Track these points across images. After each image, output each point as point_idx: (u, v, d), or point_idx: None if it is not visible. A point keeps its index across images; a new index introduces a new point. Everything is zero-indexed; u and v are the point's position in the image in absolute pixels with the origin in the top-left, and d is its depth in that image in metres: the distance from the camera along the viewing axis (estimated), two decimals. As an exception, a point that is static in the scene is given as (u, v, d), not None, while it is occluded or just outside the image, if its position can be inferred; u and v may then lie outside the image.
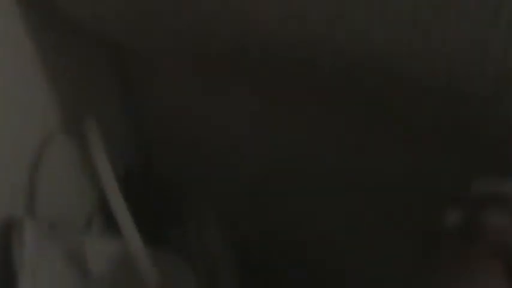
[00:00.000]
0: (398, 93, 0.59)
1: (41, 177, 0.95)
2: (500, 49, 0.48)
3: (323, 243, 0.92)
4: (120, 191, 0.81)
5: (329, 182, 0.85)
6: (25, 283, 0.81)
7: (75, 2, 0.72)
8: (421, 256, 0.51)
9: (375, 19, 0.51)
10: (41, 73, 0.89)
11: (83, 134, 0.94)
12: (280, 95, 0.78)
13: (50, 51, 0.88)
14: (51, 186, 0.96)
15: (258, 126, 0.88)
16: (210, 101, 0.87)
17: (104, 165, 0.83)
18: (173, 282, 0.89)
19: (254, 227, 0.95)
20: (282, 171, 0.90)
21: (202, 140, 0.93)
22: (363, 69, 0.57)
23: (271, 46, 0.60)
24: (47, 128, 0.93)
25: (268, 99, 0.81)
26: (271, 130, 0.86)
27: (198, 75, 0.86)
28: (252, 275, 0.95)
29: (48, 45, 0.87)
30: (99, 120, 0.89)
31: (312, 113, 0.80)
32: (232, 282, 0.94)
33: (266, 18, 0.57)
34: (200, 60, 0.79)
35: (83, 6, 0.72)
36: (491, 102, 0.53)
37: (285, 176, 0.89)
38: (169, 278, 0.86)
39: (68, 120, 0.95)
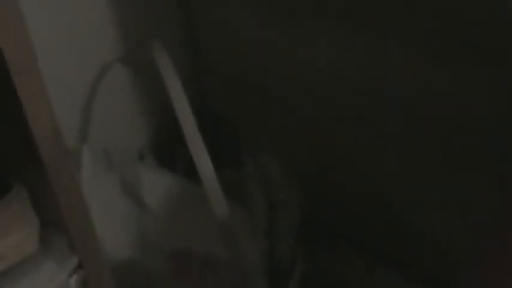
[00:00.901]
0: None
1: (98, 105, 0.91)
2: None
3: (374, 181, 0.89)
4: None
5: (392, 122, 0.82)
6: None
7: None
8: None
9: None
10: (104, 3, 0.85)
11: (145, 58, 0.91)
12: (346, 29, 0.74)
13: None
14: (106, 116, 0.93)
15: (317, 61, 0.84)
16: (270, 33, 0.83)
17: (177, 86, 0.78)
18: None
19: (311, 163, 0.91)
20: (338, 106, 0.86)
21: (260, 74, 0.89)
22: None
23: None
24: (105, 55, 0.89)
25: (330, 32, 0.77)
26: (329, 63, 0.82)
27: (255, 7, 0.82)
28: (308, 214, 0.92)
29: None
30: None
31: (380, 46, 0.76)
32: (291, 225, 0.91)
33: None
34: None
35: None
36: None
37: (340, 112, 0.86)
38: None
39: (127, 46, 0.91)
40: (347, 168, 0.89)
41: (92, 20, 0.87)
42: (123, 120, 0.95)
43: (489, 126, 0.68)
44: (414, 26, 0.68)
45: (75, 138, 0.92)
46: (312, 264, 0.94)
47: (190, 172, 0.95)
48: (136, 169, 0.88)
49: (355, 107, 0.83)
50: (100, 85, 0.91)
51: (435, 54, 0.69)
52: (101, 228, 0.82)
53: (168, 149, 0.99)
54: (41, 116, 0.50)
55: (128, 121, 0.96)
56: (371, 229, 0.91)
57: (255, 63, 0.91)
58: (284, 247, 0.91)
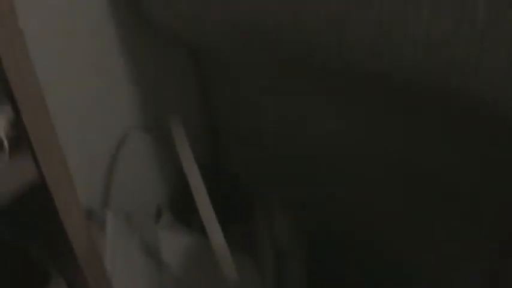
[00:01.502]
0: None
1: (118, 170, 0.99)
2: None
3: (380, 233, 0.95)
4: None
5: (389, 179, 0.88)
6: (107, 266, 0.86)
7: (157, 3, 0.76)
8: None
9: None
10: (126, 73, 0.93)
11: (163, 129, 0.99)
12: (348, 100, 0.82)
13: (135, 53, 0.93)
14: (126, 178, 1.00)
15: (324, 126, 0.92)
16: (280, 100, 0.91)
17: (189, 159, 0.87)
18: (241, 279, 0.93)
19: (320, 220, 0.99)
20: (345, 167, 0.93)
21: (270, 137, 0.97)
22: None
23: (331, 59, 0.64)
24: (127, 124, 0.97)
25: (334, 103, 0.84)
26: (337, 129, 0.89)
27: (265, 77, 0.90)
28: (317, 267, 0.98)
29: (134, 48, 0.92)
30: (181, 118, 0.94)
31: (373, 114, 0.83)
32: (299, 274, 0.98)
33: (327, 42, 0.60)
34: (272, 62, 0.82)
35: (165, 7, 0.75)
36: None
37: (346, 170, 0.93)
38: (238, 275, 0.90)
39: (147, 117, 0.99)
40: (349, 223, 0.96)
41: (116, 91, 0.95)
42: (142, 179, 1.03)
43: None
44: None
45: (98, 198, 0.99)
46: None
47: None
48: (154, 229, 0.96)
49: (355, 169, 0.90)
50: (122, 150, 0.99)
51: (433, 127, 0.75)
52: (125, 290, 0.90)
53: (184, 206, 1.06)
54: (72, 212, 0.56)
55: (147, 180, 1.04)
56: (372, 277, 0.98)
57: (267, 129, 0.98)
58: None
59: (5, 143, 0.48)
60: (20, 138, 0.50)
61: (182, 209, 1.06)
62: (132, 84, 0.95)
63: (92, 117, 0.92)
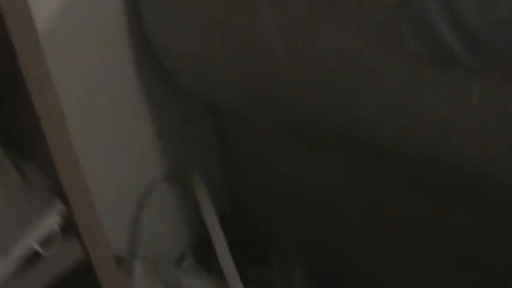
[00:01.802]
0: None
1: (144, 219, 1.06)
2: None
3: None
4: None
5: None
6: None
7: (196, 82, 0.83)
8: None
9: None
10: (152, 129, 1.00)
11: (185, 181, 1.06)
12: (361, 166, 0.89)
13: (161, 111, 1.00)
14: (151, 226, 1.07)
15: (337, 185, 0.98)
16: (294, 161, 0.98)
17: (209, 210, 0.95)
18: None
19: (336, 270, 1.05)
20: (358, 220, 1.00)
21: (287, 190, 1.04)
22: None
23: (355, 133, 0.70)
24: (152, 176, 1.04)
25: (346, 167, 0.91)
26: (348, 187, 0.96)
27: (282, 137, 0.97)
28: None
29: (160, 106, 0.99)
30: (201, 170, 1.02)
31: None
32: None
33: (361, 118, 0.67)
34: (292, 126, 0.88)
35: (204, 84, 0.82)
36: None
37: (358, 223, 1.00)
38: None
39: (171, 169, 1.06)
40: (358, 269, 1.02)
41: (141, 146, 1.02)
42: (166, 227, 1.10)
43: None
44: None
45: (125, 245, 1.06)
46: None
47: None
48: (178, 275, 1.03)
49: (362, 221, 0.96)
50: (147, 200, 1.06)
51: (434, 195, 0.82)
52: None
53: (206, 250, 1.13)
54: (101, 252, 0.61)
55: (171, 227, 1.11)
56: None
57: (281, 181, 1.05)
58: None
59: (59, 233, 0.55)
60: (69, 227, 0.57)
61: (204, 254, 1.12)
62: (158, 139, 1.02)
63: (120, 170, 0.99)
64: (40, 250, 0.54)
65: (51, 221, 0.54)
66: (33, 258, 0.54)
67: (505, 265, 0.73)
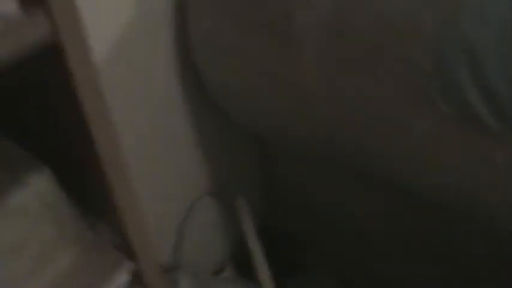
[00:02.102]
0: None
1: (188, 231, 1.14)
2: None
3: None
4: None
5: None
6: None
7: (245, 117, 0.90)
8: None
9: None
10: (200, 152, 1.08)
11: (228, 198, 1.13)
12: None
13: (209, 136, 1.08)
14: (194, 238, 1.15)
15: (361, 207, 1.05)
16: (331, 189, 1.05)
17: (249, 226, 1.02)
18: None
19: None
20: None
21: (318, 206, 1.11)
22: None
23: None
24: (196, 191, 1.12)
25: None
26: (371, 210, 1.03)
27: (321, 167, 1.04)
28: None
29: (209, 132, 1.07)
30: (243, 188, 1.10)
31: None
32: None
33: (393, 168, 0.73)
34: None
35: (252, 120, 0.90)
36: None
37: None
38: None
39: (214, 185, 1.14)
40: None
41: (188, 165, 1.10)
42: (208, 239, 1.18)
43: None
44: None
45: (170, 256, 1.14)
46: None
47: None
48: (218, 284, 1.11)
49: (391, 250, 1.03)
50: (191, 214, 1.14)
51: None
52: None
53: (246, 261, 1.21)
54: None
55: (213, 239, 1.19)
56: None
57: (319, 206, 1.12)
58: None
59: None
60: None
61: (243, 265, 1.20)
62: (206, 159, 1.10)
63: (166, 187, 1.07)
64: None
65: (121, 279, 0.59)
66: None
67: None
